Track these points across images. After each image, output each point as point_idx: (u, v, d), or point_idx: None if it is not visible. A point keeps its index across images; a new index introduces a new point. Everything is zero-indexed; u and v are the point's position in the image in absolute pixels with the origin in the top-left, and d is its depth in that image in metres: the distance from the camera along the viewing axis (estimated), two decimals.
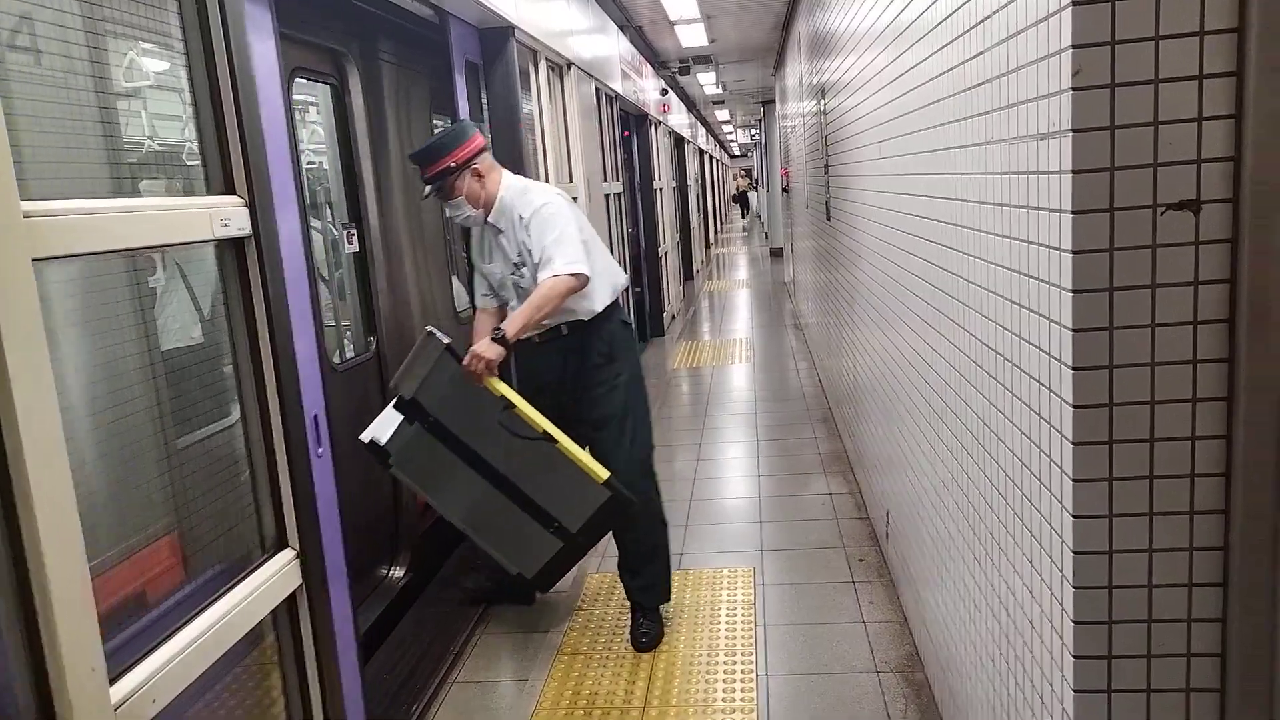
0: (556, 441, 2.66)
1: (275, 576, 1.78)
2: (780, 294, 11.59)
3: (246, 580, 1.72)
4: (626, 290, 3.13)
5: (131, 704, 1.33)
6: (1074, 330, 1.30)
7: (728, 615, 3.20)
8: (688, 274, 12.61)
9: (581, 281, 2.72)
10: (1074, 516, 1.33)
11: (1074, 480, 1.32)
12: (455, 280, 4.18)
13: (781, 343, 8.46)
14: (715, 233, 21.58)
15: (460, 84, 3.32)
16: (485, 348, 2.65)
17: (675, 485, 4.65)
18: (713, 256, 18.36)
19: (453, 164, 2.76)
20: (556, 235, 2.72)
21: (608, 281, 2.95)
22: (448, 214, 2.92)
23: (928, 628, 2.63)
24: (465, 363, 2.64)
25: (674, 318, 10.29)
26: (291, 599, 1.84)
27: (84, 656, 1.23)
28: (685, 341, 9.22)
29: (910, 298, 2.62)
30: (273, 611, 1.80)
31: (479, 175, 2.82)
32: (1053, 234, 1.37)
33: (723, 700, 2.67)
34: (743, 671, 2.82)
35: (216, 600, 1.64)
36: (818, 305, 6.42)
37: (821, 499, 4.26)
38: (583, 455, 2.74)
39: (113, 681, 1.32)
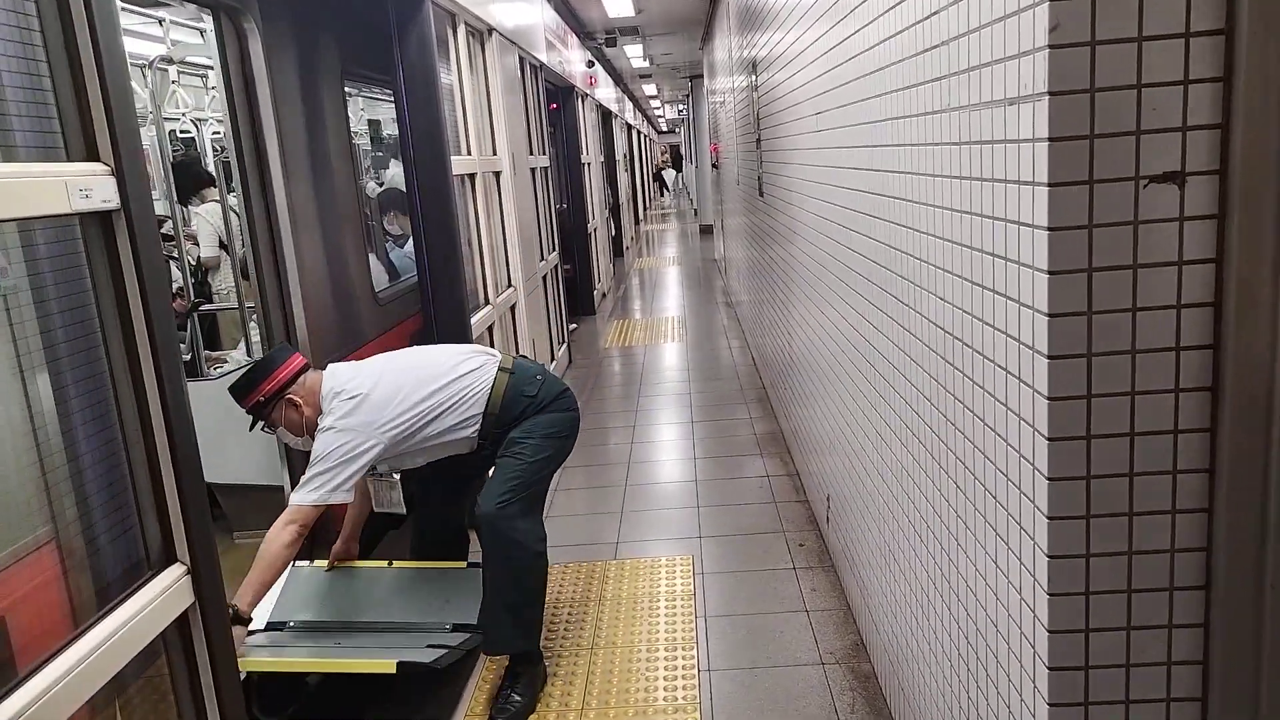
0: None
1: (163, 595, 1.58)
2: (711, 271, 11.51)
3: (129, 601, 1.51)
4: (537, 377, 2.81)
5: None
6: (1050, 315, 1.19)
7: (667, 607, 3.08)
8: (617, 251, 12.43)
9: (314, 512, 2.47)
10: (1049, 518, 1.22)
11: (1049, 479, 1.21)
12: (373, 259, 3.94)
13: (713, 320, 8.37)
14: (644, 209, 21.41)
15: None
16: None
17: (610, 470, 4.51)
18: (642, 233, 18.19)
19: (261, 398, 2.57)
20: (319, 458, 2.48)
21: (464, 411, 2.68)
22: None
23: (874, 618, 2.55)
24: None
25: (604, 295, 10.12)
26: (183, 619, 1.64)
27: None
28: (616, 320, 9.06)
29: (851, 275, 2.51)
30: (161, 634, 1.59)
31: (294, 404, 2.60)
32: (1024, 209, 1.25)
33: (664, 699, 2.55)
34: (684, 667, 2.70)
35: (92, 626, 1.43)
36: (750, 283, 6.33)
37: (759, 482, 4.17)
38: (366, 662, 2.51)
39: None
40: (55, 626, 1.54)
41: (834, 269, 2.82)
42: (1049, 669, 1.25)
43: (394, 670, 2.39)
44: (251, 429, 2.66)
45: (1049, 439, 1.21)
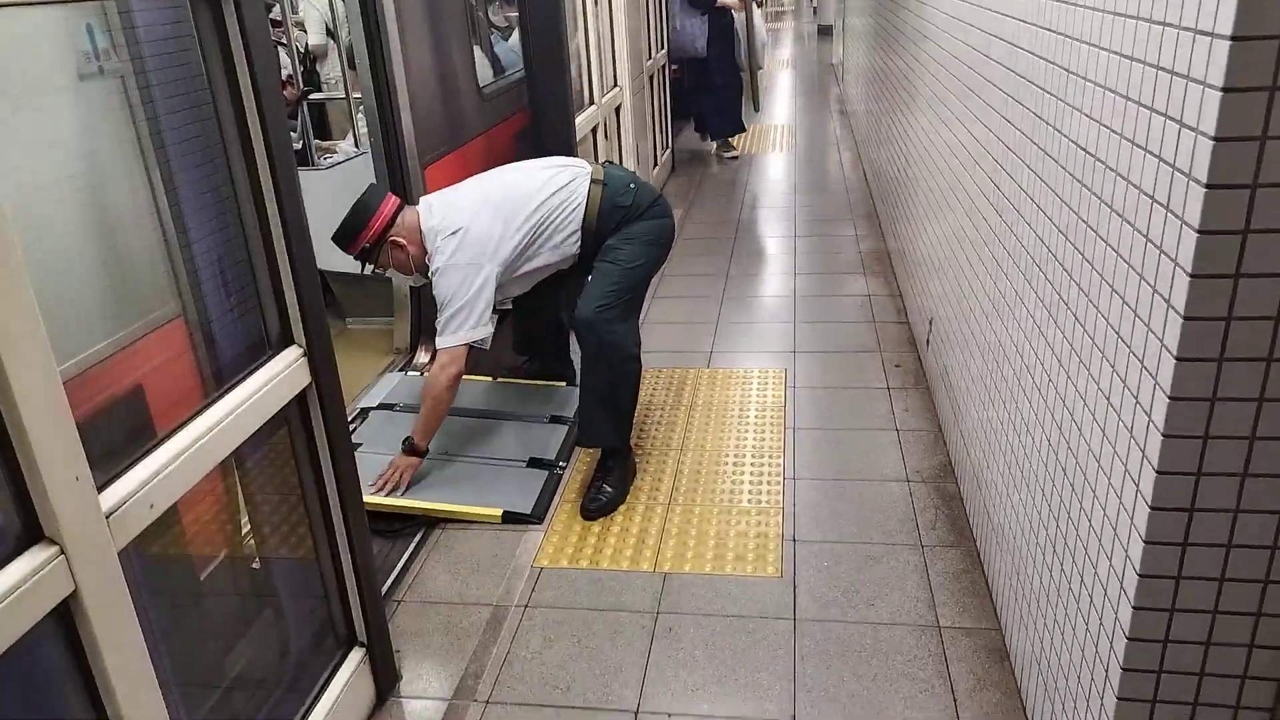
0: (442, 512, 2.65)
1: (283, 374, 1.67)
2: (826, 77, 10.86)
3: (251, 378, 1.61)
4: (630, 186, 2.78)
5: (125, 511, 1.26)
6: (1216, 139, 1.06)
7: (757, 416, 3.13)
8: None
9: (464, 350, 2.61)
10: (1177, 359, 1.15)
11: (1184, 319, 1.13)
12: (478, 51, 3.83)
13: (825, 130, 7.98)
14: (758, 4, 20.04)
15: None
16: (402, 461, 2.68)
17: (708, 280, 4.48)
18: None
19: (366, 244, 2.62)
20: (447, 300, 2.59)
21: (565, 229, 2.72)
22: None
23: (965, 441, 2.54)
24: (383, 478, 2.65)
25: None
26: (301, 398, 1.75)
27: (63, 465, 1.13)
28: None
29: (985, 86, 2.31)
30: (282, 411, 1.70)
31: (398, 245, 2.63)
32: (1204, 13, 1.09)
33: (748, 500, 2.64)
34: (770, 473, 2.78)
35: (219, 400, 1.54)
36: (869, 90, 5.94)
37: (860, 300, 4.09)
38: (476, 509, 2.64)
39: (102, 489, 1.23)
40: (186, 396, 1.66)
41: (965, 78, 2.60)
42: (1151, 508, 1.22)
43: (500, 519, 2.59)
44: (361, 272, 2.72)
45: (1191, 275, 1.12)
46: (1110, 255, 1.40)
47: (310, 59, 5.24)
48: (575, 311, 2.64)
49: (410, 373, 3.43)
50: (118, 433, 1.52)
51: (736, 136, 7.31)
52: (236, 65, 1.51)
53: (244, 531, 1.96)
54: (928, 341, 3.25)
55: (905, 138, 4.01)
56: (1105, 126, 1.42)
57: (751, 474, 2.79)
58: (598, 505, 2.62)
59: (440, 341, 2.59)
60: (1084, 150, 1.53)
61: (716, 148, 7.32)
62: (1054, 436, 1.69)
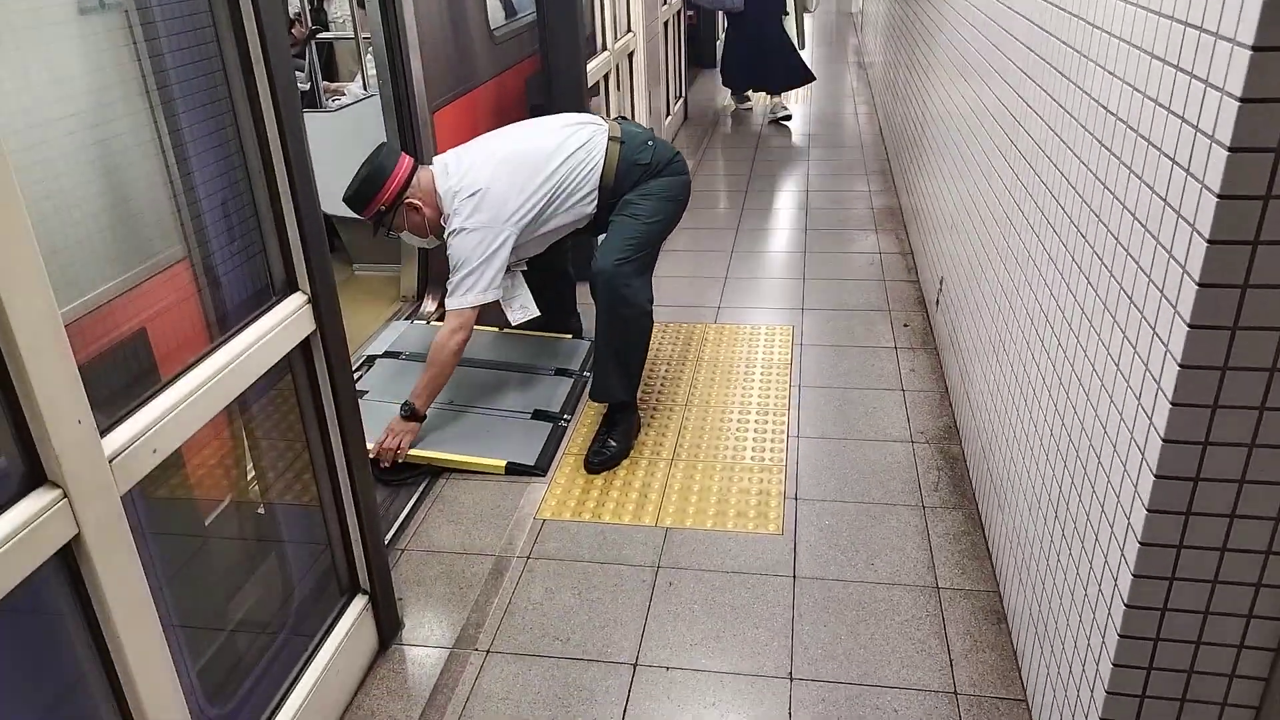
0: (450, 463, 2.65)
1: (287, 321, 1.66)
2: (845, 26, 10.65)
3: (256, 323, 1.60)
4: (647, 143, 2.76)
5: (128, 455, 1.26)
6: (1241, 100, 1.03)
7: (763, 374, 3.12)
8: None
9: (473, 314, 2.58)
10: (1190, 326, 1.13)
11: (1199, 285, 1.11)
12: None
13: (842, 82, 7.84)
14: None
15: None
16: (398, 426, 2.59)
17: (717, 235, 4.44)
18: None
19: (382, 207, 2.57)
20: (462, 262, 2.55)
21: (583, 189, 2.68)
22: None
23: (972, 403, 2.52)
24: (379, 444, 2.56)
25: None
26: (306, 345, 1.74)
27: (66, 408, 1.13)
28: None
29: (1008, 40, 2.25)
30: (287, 357, 1.70)
31: (414, 207, 2.59)
32: None
33: (751, 457, 2.65)
34: (774, 431, 2.78)
35: (223, 345, 1.53)
36: (888, 42, 5.82)
37: (870, 258, 4.05)
38: (479, 460, 2.64)
39: (104, 433, 1.23)
40: (190, 341, 1.65)
41: (988, 31, 2.53)
42: (1155, 476, 1.21)
43: (504, 470, 2.60)
44: (375, 235, 2.70)
45: (1209, 241, 1.09)
46: (1126, 218, 1.37)
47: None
48: (593, 264, 2.62)
49: (417, 321, 3.43)
50: (121, 377, 1.52)
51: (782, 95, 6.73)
52: (241, 1, 1.48)
53: (249, 477, 1.97)
54: (938, 302, 3.23)
55: (923, 93, 3.93)
56: (1127, 83, 1.39)
57: (756, 431, 2.79)
58: (602, 459, 2.62)
59: (450, 303, 2.57)
60: (1104, 108, 1.49)
61: (772, 105, 6.75)
62: (1061, 401, 1.67)
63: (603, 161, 2.68)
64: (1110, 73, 1.48)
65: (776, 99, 6.70)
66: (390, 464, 2.56)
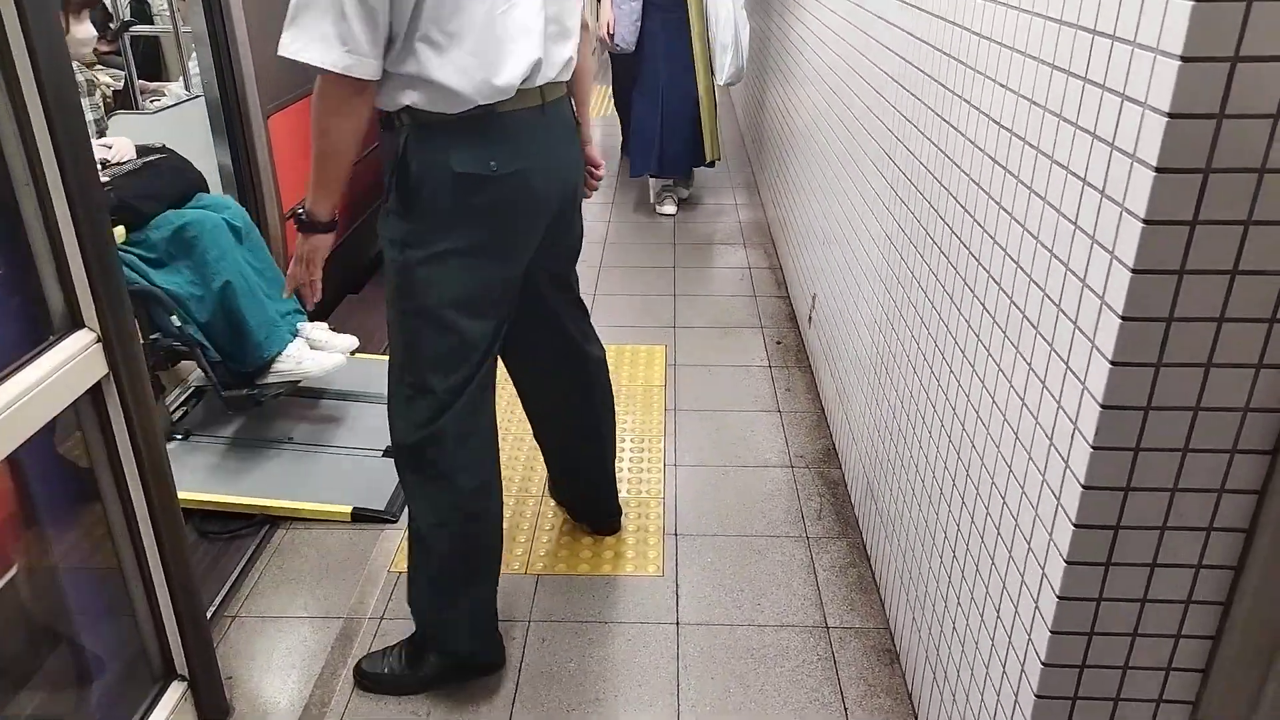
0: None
1: (71, 363, 1.37)
2: None
3: (18, 375, 1.30)
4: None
5: None
6: (1170, 115, 0.93)
7: (637, 397, 2.95)
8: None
9: (339, 86, 1.50)
10: (1123, 318, 1.02)
11: (1132, 272, 1.00)
12: None
13: None
14: None
15: None
16: (305, 246, 1.66)
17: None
18: None
19: None
20: None
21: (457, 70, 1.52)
22: None
23: (851, 425, 2.44)
24: (292, 277, 1.69)
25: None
26: (96, 391, 1.44)
27: None
28: (596, 85, 8.45)
29: (876, 48, 2.18)
30: (72, 406, 1.40)
31: None
32: None
33: (628, 491, 2.47)
34: (650, 460, 2.61)
35: None
36: (749, 55, 5.80)
37: (740, 273, 3.97)
38: (321, 506, 2.33)
39: None
40: None
41: (855, 41, 2.46)
42: (1075, 526, 1.11)
43: (350, 517, 2.33)
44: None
45: (1133, 270, 0.99)
46: (1028, 242, 1.27)
47: None
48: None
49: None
50: None
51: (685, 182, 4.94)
52: None
53: (24, 545, 1.64)
54: (810, 318, 3.16)
55: (788, 105, 3.89)
56: (1023, 97, 1.29)
57: (631, 461, 2.62)
58: (367, 677, 1.86)
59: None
60: (995, 121, 1.40)
61: (657, 194, 4.86)
62: (955, 433, 1.58)
63: None
64: (1002, 85, 1.38)
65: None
66: (317, 298, 1.74)
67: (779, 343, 3.32)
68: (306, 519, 2.32)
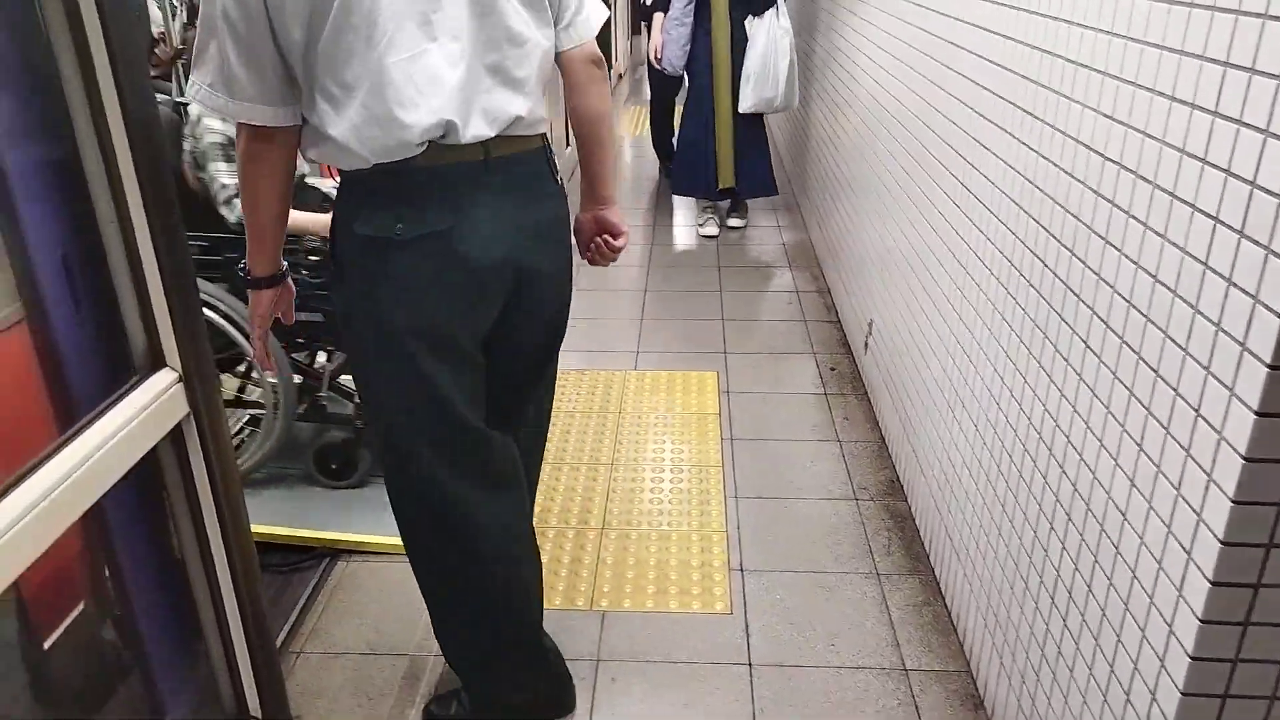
0: None
1: (155, 404, 1.35)
2: None
3: (108, 416, 1.28)
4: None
5: None
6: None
7: (692, 426, 2.91)
8: (636, 27, 11.52)
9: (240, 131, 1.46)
10: (1256, 415, 0.97)
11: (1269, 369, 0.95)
12: None
13: None
14: None
15: None
16: (248, 312, 1.70)
17: (627, 273, 4.24)
18: None
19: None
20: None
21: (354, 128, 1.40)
22: None
23: (919, 456, 2.38)
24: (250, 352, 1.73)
25: (620, 78, 9.45)
26: (177, 433, 1.42)
27: None
28: (633, 105, 8.49)
29: (949, 76, 2.13)
30: (153, 450, 1.38)
31: None
32: None
33: (689, 524, 2.42)
34: (710, 492, 2.56)
35: (61, 449, 1.21)
36: None
37: (787, 297, 3.92)
38: (382, 539, 2.29)
39: None
40: (23, 438, 1.32)
41: (921, 66, 2.42)
42: (1211, 584, 1.05)
43: None
44: None
45: (1260, 302, 0.94)
46: (1143, 281, 1.22)
47: (191, 11, 4.71)
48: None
49: None
50: None
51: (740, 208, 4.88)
52: (83, 12, 1.17)
53: (105, 588, 1.62)
54: (866, 345, 3.10)
55: (836, 127, 3.85)
56: (1144, 134, 1.24)
57: (690, 493, 2.57)
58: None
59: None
60: (1104, 157, 1.35)
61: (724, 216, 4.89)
62: (1048, 468, 1.52)
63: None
64: (1110, 118, 1.33)
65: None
66: (266, 365, 1.82)
67: (833, 369, 3.27)
68: (367, 551, 2.29)
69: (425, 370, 1.50)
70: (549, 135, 1.60)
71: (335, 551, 2.29)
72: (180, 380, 1.40)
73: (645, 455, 2.73)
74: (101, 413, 1.27)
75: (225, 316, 2.20)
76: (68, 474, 1.16)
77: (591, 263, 1.80)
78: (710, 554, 2.31)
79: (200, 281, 1.75)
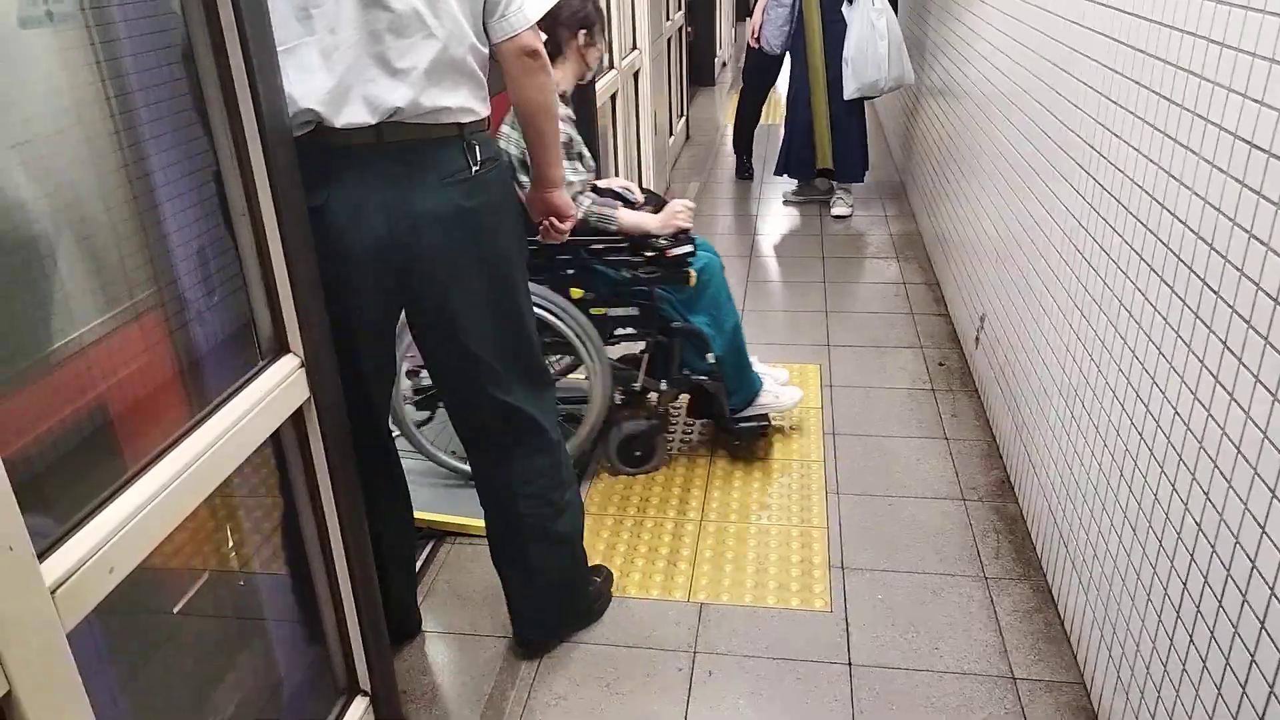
0: None
1: (279, 388, 1.41)
2: None
3: (239, 396, 1.34)
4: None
5: (77, 581, 1.00)
6: None
7: (799, 419, 2.87)
8: (741, 12, 11.39)
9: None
10: None
11: None
12: None
13: None
14: None
15: None
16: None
17: (728, 264, 4.19)
18: None
19: None
20: None
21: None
22: None
23: (1031, 458, 2.29)
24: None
25: (724, 65, 9.37)
26: (298, 416, 1.48)
27: None
28: (738, 93, 8.39)
29: (1075, 59, 2.03)
30: (277, 432, 1.44)
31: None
32: None
33: (789, 519, 2.39)
34: (811, 487, 2.53)
35: (205, 421, 1.27)
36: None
37: (894, 289, 3.83)
38: (480, 522, 2.19)
39: (44, 557, 0.97)
40: (163, 416, 1.40)
41: (1045, 50, 2.31)
42: None
43: None
44: None
45: None
46: (1270, 259, 1.14)
47: None
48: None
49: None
50: (70, 471, 1.26)
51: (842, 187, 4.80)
52: (220, 13, 1.23)
53: (229, 556, 1.71)
54: (977, 340, 3.00)
55: (947, 114, 3.72)
56: (1266, 106, 1.16)
57: (790, 487, 2.54)
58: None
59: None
60: (1232, 135, 1.26)
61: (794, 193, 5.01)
62: (1176, 474, 1.44)
63: None
64: (1259, 103, 1.24)
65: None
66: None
67: (941, 364, 3.17)
68: (471, 534, 2.35)
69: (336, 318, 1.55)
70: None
71: (441, 533, 2.36)
72: (302, 366, 1.46)
73: (744, 449, 2.71)
74: (231, 395, 1.34)
75: (552, 313, 2.34)
76: (201, 453, 1.22)
77: (544, 239, 1.96)
78: (810, 550, 2.27)
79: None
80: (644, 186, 2.84)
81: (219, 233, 1.41)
